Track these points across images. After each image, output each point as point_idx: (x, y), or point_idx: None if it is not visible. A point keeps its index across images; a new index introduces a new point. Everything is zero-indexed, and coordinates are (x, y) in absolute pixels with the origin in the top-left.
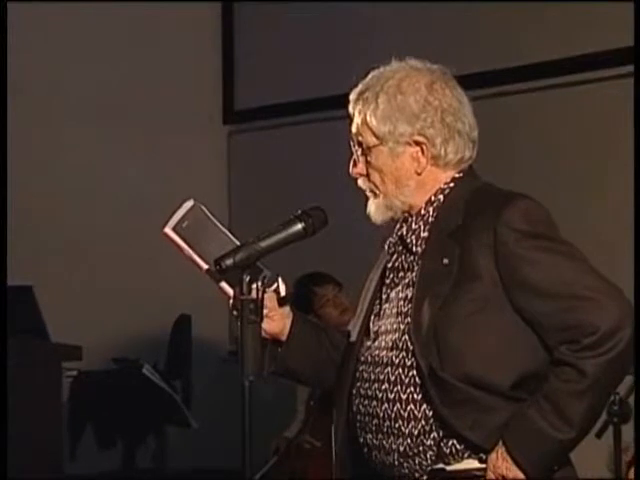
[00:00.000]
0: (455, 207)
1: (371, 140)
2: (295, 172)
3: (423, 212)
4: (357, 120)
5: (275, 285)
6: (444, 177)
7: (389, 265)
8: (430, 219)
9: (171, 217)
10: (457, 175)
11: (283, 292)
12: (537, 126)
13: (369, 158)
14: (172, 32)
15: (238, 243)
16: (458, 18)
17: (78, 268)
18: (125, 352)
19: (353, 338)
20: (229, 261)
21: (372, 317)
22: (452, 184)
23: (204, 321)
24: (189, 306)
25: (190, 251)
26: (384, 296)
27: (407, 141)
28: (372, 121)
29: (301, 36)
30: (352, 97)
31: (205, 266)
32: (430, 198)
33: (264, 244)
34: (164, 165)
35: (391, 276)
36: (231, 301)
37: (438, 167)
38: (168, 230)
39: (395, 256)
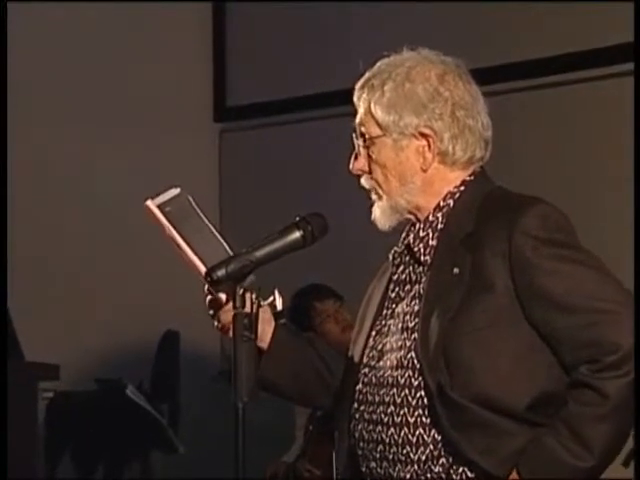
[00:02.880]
0: (466, 213)
1: (374, 131)
2: (290, 172)
3: (432, 218)
4: (361, 109)
5: (271, 298)
6: (452, 177)
7: (394, 278)
8: (439, 226)
9: (154, 197)
10: (468, 178)
11: (280, 306)
12: (534, 126)
13: (372, 152)
14: (164, 29)
15: (223, 242)
16: (453, 17)
17: (54, 279)
18: (107, 371)
19: (355, 358)
20: (221, 272)
21: (375, 335)
22: (462, 188)
23: (193, 337)
24: (177, 321)
25: (173, 231)
26: (388, 312)
27: (413, 133)
28: (376, 110)
29: (298, 30)
30: (358, 85)
31: (189, 250)
32: (439, 203)
33: (259, 254)
34: (152, 165)
35: (396, 289)
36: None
37: (445, 165)
38: (150, 203)
39: (401, 267)
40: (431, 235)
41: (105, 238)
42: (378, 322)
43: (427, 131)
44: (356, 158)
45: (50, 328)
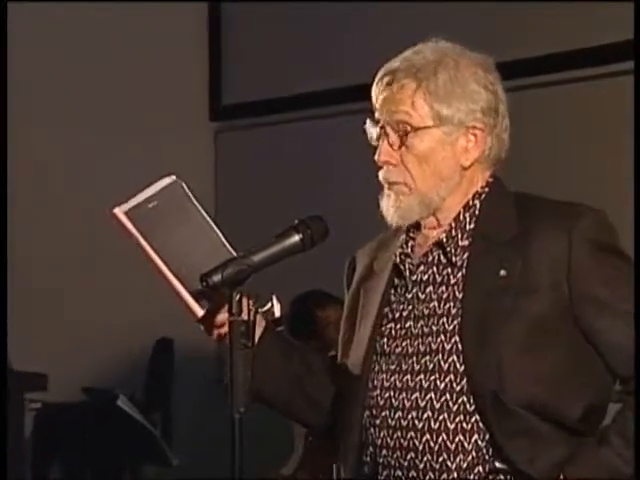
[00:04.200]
0: (501, 214)
1: (422, 121)
2: (287, 171)
3: (461, 218)
4: (403, 96)
5: (269, 305)
6: (480, 178)
7: (413, 278)
8: (467, 226)
9: (138, 194)
10: (489, 179)
11: (278, 313)
12: (530, 125)
13: (410, 143)
14: (160, 29)
15: (219, 233)
16: (451, 16)
17: (43, 283)
18: (97, 381)
19: (356, 365)
20: (217, 277)
21: (386, 339)
22: (487, 189)
23: (188, 345)
24: (170, 328)
25: (142, 241)
26: (404, 313)
27: (467, 126)
28: (429, 99)
29: (294, 29)
30: (397, 71)
31: (163, 266)
32: (467, 202)
33: (257, 258)
34: (148, 164)
35: (414, 291)
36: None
37: (480, 164)
38: (118, 211)
39: (421, 268)
40: (460, 236)
41: (97, 241)
42: (385, 325)
43: (479, 124)
44: (385, 149)
45: (38, 336)
